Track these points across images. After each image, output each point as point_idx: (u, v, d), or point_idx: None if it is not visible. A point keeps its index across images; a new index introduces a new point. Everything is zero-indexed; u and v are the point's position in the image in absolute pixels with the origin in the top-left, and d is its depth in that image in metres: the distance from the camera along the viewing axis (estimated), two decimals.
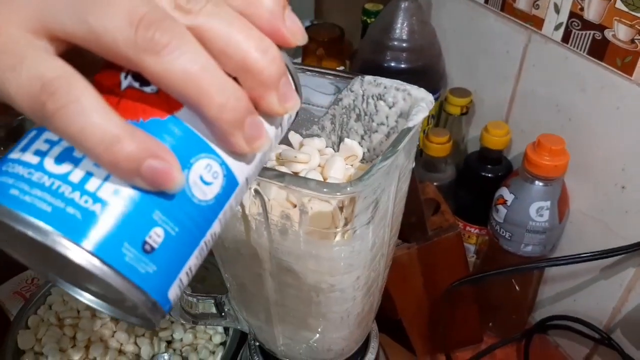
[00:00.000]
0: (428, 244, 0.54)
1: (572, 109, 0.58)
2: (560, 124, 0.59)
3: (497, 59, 0.65)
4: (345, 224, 0.33)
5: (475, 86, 0.69)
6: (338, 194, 0.30)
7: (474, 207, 0.66)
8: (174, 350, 0.64)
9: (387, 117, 0.40)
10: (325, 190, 0.30)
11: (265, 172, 0.31)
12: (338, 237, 0.33)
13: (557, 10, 0.56)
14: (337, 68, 0.82)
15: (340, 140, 0.43)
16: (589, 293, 0.61)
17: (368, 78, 0.39)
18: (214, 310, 0.44)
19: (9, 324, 0.65)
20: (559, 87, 0.58)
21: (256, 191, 0.32)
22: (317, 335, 0.40)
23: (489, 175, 0.64)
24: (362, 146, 0.42)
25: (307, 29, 0.83)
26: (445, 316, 0.58)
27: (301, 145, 0.42)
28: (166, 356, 0.64)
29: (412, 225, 0.53)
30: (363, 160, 0.42)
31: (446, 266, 0.56)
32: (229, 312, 0.44)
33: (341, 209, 0.33)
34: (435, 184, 0.63)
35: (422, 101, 0.37)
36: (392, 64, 0.67)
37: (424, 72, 0.69)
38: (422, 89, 0.38)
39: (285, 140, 0.43)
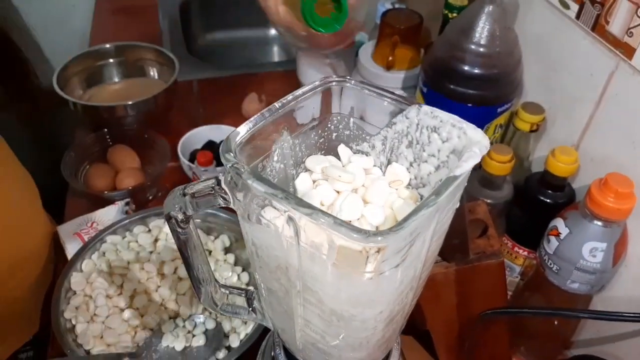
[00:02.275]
0: (467, 267, 0.53)
1: None
2: (634, 161, 0.55)
3: (578, 80, 0.61)
4: (374, 265, 0.33)
5: (550, 103, 0.65)
6: (370, 243, 0.30)
7: (527, 229, 0.64)
8: (210, 313, 0.67)
9: (438, 151, 0.38)
10: (355, 236, 0.29)
11: (300, 207, 0.31)
12: (365, 276, 0.33)
13: None
14: (411, 57, 0.79)
15: (389, 162, 0.42)
16: (631, 339, 0.59)
17: (425, 108, 0.38)
18: (243, 303, 0.46)
19: (66, 262, 0.70)
20: None
21: (290, 217, 0.33)
22: (335, 351, 0.41)
23: (548, 200, 0.61)
24: (409, 172, 0.41)
25: (385, 13, 0.80)
26: (474, 338, 0.57)
27: (349, 161, 0.41)
28: (202, 317, 0.67)
29: (454, 246, 0.52)
30: (409, 185, 0.41)
31: (483, 292, 0.55)
32: (257, 308, 0.46)
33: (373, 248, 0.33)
34: (489, 201, 0.61)
35: (476, 145, 0.35)
36: (466, 68, 0.64)
37: (498, 79, 0.66)
38: (479, 130, 0.36)
39: (334, 153, 0.42)
